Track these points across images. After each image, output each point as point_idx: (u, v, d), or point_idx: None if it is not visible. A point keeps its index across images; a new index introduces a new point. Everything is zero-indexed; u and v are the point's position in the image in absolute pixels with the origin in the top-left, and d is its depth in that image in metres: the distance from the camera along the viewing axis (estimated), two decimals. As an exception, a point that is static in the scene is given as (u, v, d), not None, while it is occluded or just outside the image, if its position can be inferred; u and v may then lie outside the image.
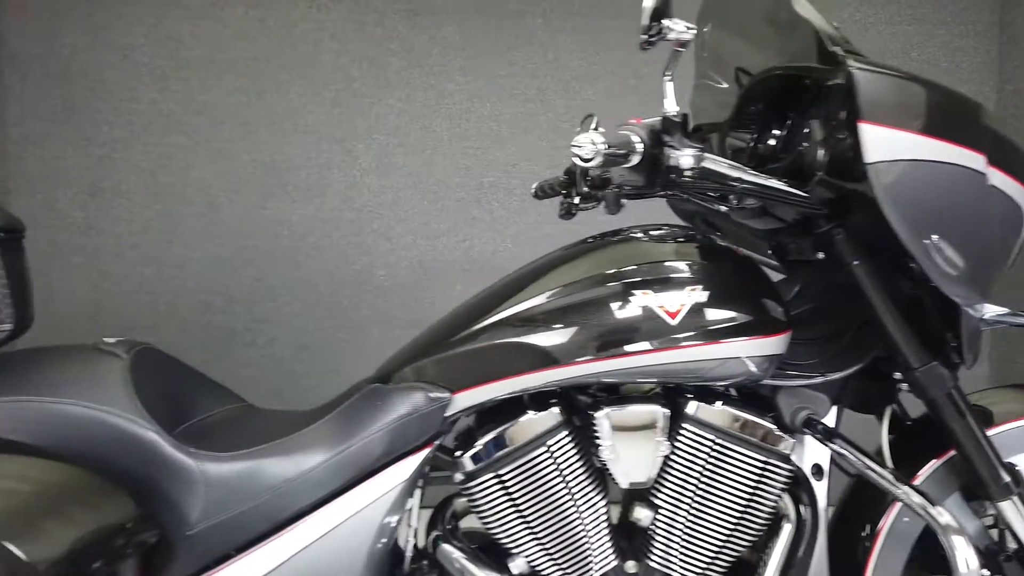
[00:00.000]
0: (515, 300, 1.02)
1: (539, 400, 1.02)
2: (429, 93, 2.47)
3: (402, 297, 2.51)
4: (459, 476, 1.04)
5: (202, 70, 2.41)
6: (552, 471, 0.99)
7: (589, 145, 0.86)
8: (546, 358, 0.97)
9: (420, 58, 2.45)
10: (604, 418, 0.97)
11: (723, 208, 1.13)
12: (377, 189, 2.48)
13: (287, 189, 2.46)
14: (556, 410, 1.00)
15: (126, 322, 2.41)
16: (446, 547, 1.03)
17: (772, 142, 1.09)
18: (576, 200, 1.20)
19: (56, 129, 2.38)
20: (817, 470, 1.02)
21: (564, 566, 1.00)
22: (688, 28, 0.84)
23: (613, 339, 0.96)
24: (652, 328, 0.95)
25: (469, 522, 1.10)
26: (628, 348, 0.95)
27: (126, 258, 2.40)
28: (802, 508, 1.03)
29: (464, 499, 1.07)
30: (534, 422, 0.99)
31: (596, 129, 0.89)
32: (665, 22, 0.84)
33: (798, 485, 1.02)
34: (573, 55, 2.49)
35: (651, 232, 1.09)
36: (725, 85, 1.26)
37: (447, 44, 2.46)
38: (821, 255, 1.01)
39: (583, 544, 0.99)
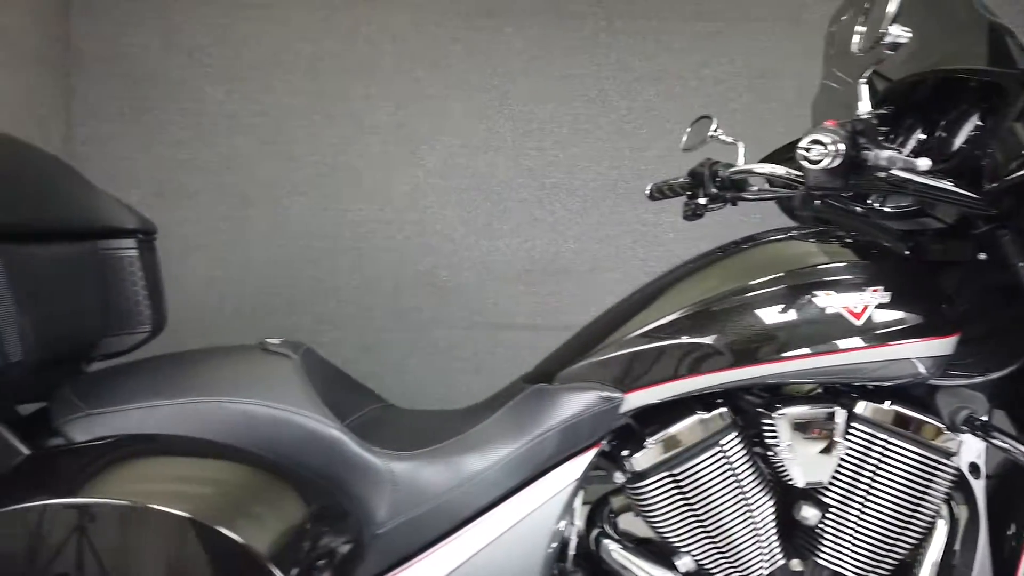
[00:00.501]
0: (684, 301, 1.03)
1: (702, 400, 1.03)
2: (492, 94, 2.48)
3: (464, 298, 2.52)
4: (619, 475, 1.05)
5: (267, 71, 2.41)
6: (725, 470, 1.00)
7: (831, 146, 0.87)
8: (728, 359, 0.98)
9: (483, 59, 2.46)
10: (783, 418, 0.99)
11: (859, 209, 1.14)
12: (440, 190, 2.49)
13: (351, 190, 2.46)
14: (725, 410, 1.02)
15: (193, 324, 2.41)
16: (610, 544, 1.05)
17: (914, 142, 1.09)
18: (703, 201, 1.21)
19: (123, 130, 2.38)
20: (974, 468, 1.04)
21: (736, 563, 1.01)
22: (904, 32, 0.84)
23: (798, 340, 0.97)
24: (837, 329, 0.96)
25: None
26: (813, 349, 0.97)
27: (192, 259, 2.40)
28: (954, 507, 1.05)
29: (620, 497, 1.08)
30: (706, 422, 1.01)
31: (825, 130, 0.89)
32: (891, 27, 0.85)
33: (953, 484, 1.04)
34: (635, 56, 2.50)
35: (809, 232, 1.10)
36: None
37: (510, 45, 2.47)
38: (983, 255, 1.03)
39: (754, 542, 1.01)
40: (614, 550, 1.04)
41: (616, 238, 2.55)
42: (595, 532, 1.07)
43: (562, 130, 2.50)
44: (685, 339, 1.00)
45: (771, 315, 0.99)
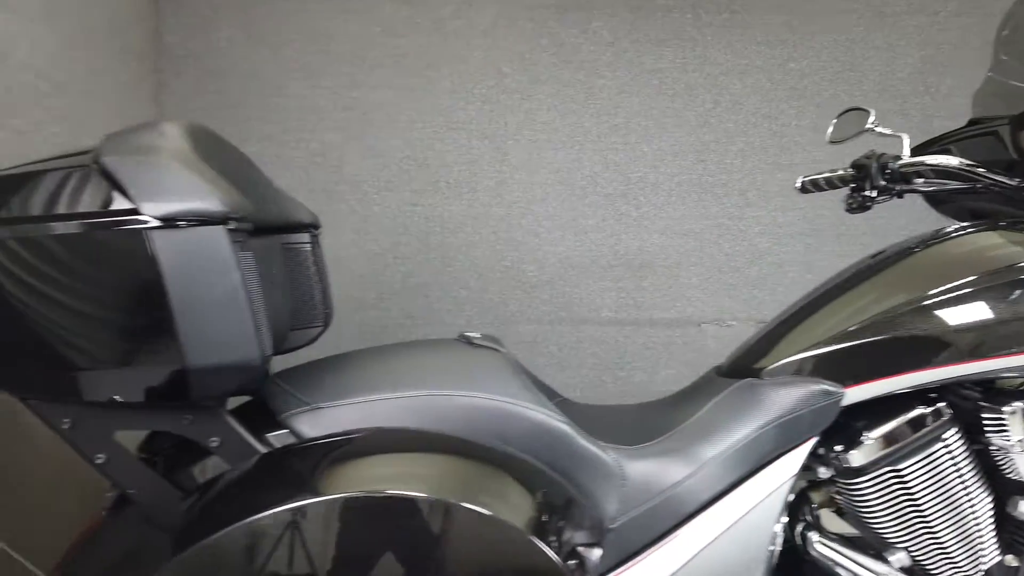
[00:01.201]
0: (900, 294, 1.02)
1: (914, 395, 1.02)
2: (578, 88, 2.47)
3: (549, 293, 2.51)
4: (823, 470, 1.05)
5: (352, 66, 2.40)
6: (949, 465, 1.00)
7: None
8: (957, 353, 0.97)
9: (570, 53, 2.45)
10: (1016, 413, 0.98)
11: None
12: (526, 185, 2.48)
13: (438, 186, 2.45)
14: (943, 405, 1.01)
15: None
16: (816, 537, 1.04)
17: None
18: (872, 193, 1.20)
19: (210, 125, 2.35)
20: None
21: (954, 558, 1.01)
22: None
23: None
24: None
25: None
26: None
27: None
28: None
29: (820, 492, 1.08)
30: (928, 417, 1.00)
31: None
32: None
33: None
34: (721, 50, 2.49)
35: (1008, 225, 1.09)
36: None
37: (597, 39, 2.46)
38: None
39: (974, 537, 1.01)
40: (822, 544, 1.03)
41: (701, 233, 2.54)
42: (799, 526, 1.06)
43: (648, 124, 2.49)
44: (911, 333, 0.99)
45: (1002, 309, 0.98)
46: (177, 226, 0.75)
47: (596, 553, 0.92)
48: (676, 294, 2.56)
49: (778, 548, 1.01)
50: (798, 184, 1.35)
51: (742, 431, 1.00)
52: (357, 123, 2.41)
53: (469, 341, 1.08)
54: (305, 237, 1.17)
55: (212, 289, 0.77)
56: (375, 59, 2.40)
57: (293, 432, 0.92)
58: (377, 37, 2.40)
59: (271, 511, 0.78)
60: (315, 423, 0.92)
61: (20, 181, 0.78)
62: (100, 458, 0.88)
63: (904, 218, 2.55)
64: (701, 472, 0.98)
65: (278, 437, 0.93)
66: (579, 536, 0.91)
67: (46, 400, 0.86)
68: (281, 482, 0.84)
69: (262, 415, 0.95)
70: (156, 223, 0.75)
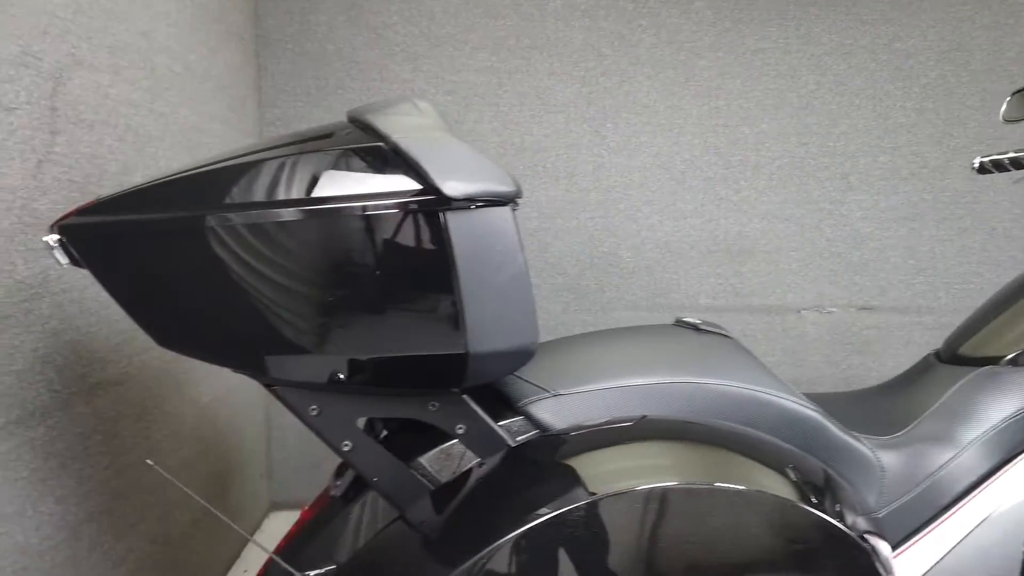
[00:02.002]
0: None
1: None
2: (679, 70, 2.42)
3: (647, 279, 2.48)
4: None
5: (453, 49, 2.36)
6: None
7: None
8: None
9: (671, 34, 2.40)
10: None
11: None
12: (624, 169, 2.44)
13: (536, 170, 2.42)
14: None
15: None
16: None
17: None
18: None
19: (310, 110, 2.33)
20: None
21: None
22: None
23: None
24: None
25: None
26: None
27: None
28: None
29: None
30: None
31: None
32: None
33: None
34: (824, 30, 2.43)
35: None
36: None
37: (699, 20, 2.41)
38: None
39: None
40: None
41: (802, 217, 2.49)
42: None
43: (749, 106, 2.44)
44: None
45: None
46: (471, 207, 0.73)
47: (884, 545, 0.88)
48: (776, 280, 2.51)
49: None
50: (976, 164, 1.30)
51: (997, 416, 0.96)
52: (457, 107, 2.38)
53: (694, 327, 1.04)
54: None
55: (500, 272, 0.74)
56: (476, 41, 2.36)
57: (532, 420, 0.89)
58: (478, 19, 2.36)
59: (564, 509, 0.75)
60: (556, 411, 0.89)
61: (296, 163, 0.75)
62: (347, 445, 0.85)
63: (1007, 201, 2.50)
64: (961, 457, 0.95)
65: (516, 425, 0.90)
66: (861, 523, 0.87)
67: (294, 387, 0.83)
68: (553, 476, 0.80)
69: (495, 403, 0.92)
70: (453, 204, 0.72)
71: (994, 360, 1.03)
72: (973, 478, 0.95)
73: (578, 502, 0.74)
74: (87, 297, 1.23)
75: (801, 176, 2.48)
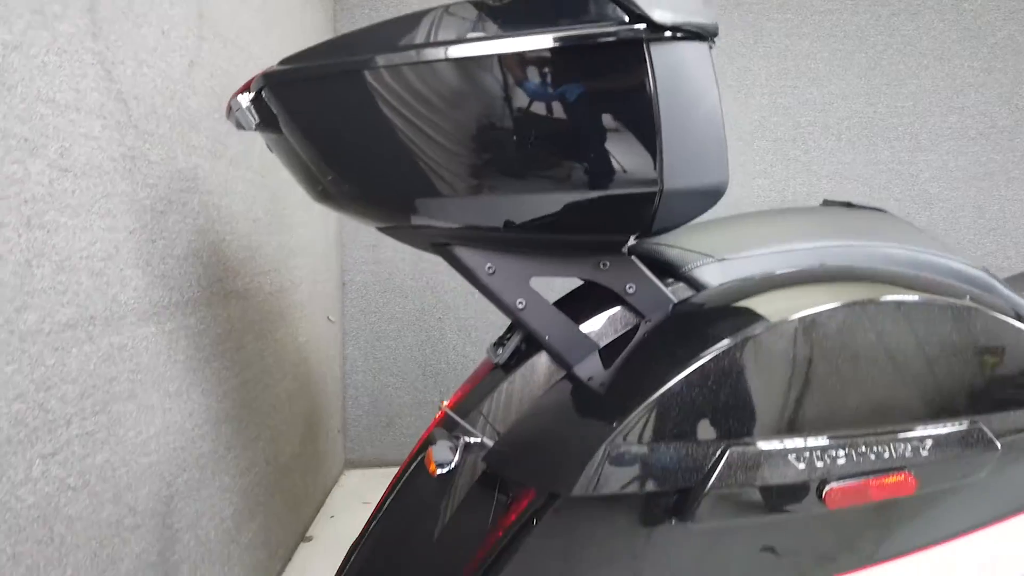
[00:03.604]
0: None
1: None
2: (747, 31, 2.45)
3: (716, 239, 2.49)
4: None
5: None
6: None
7: None
8: None
9: (739, -4, 2.43)
10: None
11: None
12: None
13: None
14: None
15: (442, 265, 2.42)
16: None
17: None
18: None
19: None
20: None
21: None
22: None
23: None
24: None
25: None
26: None
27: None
28: None
29: None
30: None
31: None
32: None
33: None
34: (892, -9, 2.45)
35: None
36: None
37: (767, -18, 2.44)
38: None
39: None
40: None
41: (871, 178, 2.50)
42: None
43: (818, 67, 2.46)
44: None
45: None
46: (675, 38, 0.74)
47: None
48: (843, 240, 2.52)
49: None
50: None
51: None
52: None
53: (845, 204, 1.05)
54: None
55: (696, 108, 0.76)
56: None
57: (697, 285, 0.91)
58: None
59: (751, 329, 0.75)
60: (723, 275, 0.90)
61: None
62: (520, 303, 0.87)
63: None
64: None
65: (681, 291, 0.91)
66: None
67: (470, 247, 0.85)
68: (727, 315, 0.82)
69: (659, 273, 0.93)
70: (657, 35, 0.74)
71: None
72: None
73: (772, 321, 0.75)
74: (223, 204, 1.27)
75: (870, 136, 2.49)
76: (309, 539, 1.85)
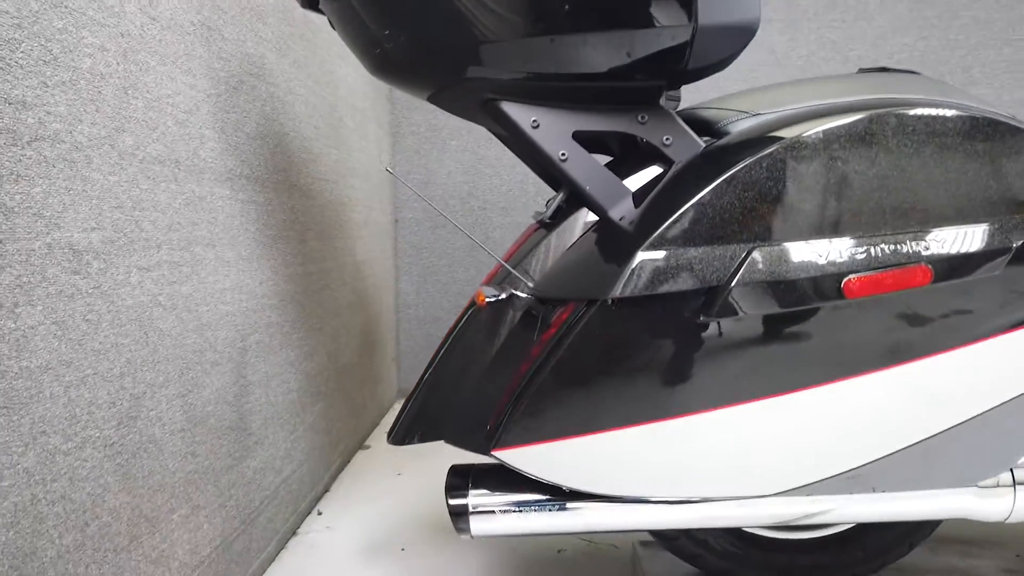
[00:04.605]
0: None
1: None
2: (795, -34, 2.45)
3: (762, 176, 2.50)
4: None
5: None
6: None
7: None
8: None
9: (787, -69, 2.43)
10: None
11: None
12: (737, 67, 2.47)
13: (653, 68, 2.47)
14: None
15: (491, 204, 2.49)
16: None
17: None
18: None
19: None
20: None
21: None
22: None
23: None
24: None
25: None
26: None
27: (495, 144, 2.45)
28: None
29: None
30: None
31: None
32: None
33: None
34: (944, -79, 2.42)
35: None
36: None
37: (815, -85, 2.43)
38: None
39: None
40: None
41: (920, 112, 2.48)
42: None
43: (867, 1, 2.45)
44: None
45: None
46: None
47: None
48: (893, 176, 2.50)
49: None
50: None
51: None
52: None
53: (880, 68, 1.08)
54: None
55: None
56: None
57: (728, 136, 0.95)
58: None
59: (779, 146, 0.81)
60: (753, 130, 0.94)
61: None
62: (564, 155, 0.93)
63: None
64: None
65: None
66: None
67: (516, 101, 0.90)
68: (754, 143, 0.86)
69: (696, 131, 0.97)
70: None
71: None
72: None
73: (791, 137, 0.79)
74: (288, 101, 1.35)
75: (921, 70, 2.47)
76: (367, 447, 1.95)
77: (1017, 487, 0.87)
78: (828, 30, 2.46)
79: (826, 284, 0.77)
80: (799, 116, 0.88)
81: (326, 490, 1.61)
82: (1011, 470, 0.90)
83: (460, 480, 0.88)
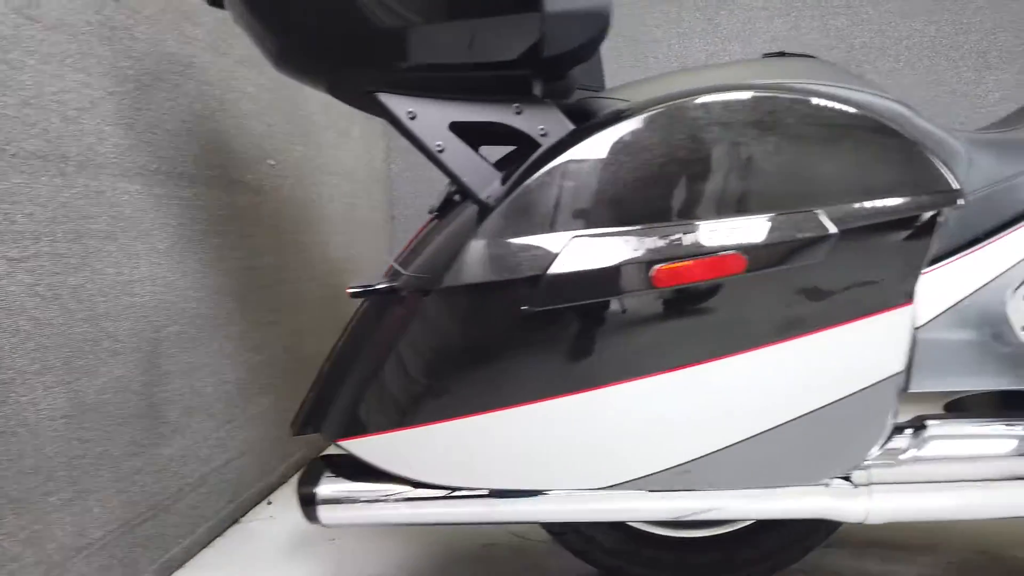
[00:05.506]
0: None
1: None
2: (796, -48, 2.37)
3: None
4: None
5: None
6: None
7: None
8: None
9: (788, -85, 2.35)
10: None
11: None
12: (740, 55, 2.40)
13: (647, 61, 2.43)
14: None
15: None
16: None
17: None
18: None
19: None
20: None
21: None
22: None
23: None
24: None
25: None
26: None
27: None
28: None
29: None
30: None
31: None
32: None
33: None
34: (957, -101, 2.30)
35: None
36: None
37: (817, -102, 2.35)
38: None
39: None
40: None
41: (932, 101, 2.36)
42: None
43: (873, -15, 2.35)
44: None
45: None
46: None
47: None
48: (903, 168, 2.39)
49: None
50: None
51: None
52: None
53: (779, 53, 1.05)
54: None
55: None
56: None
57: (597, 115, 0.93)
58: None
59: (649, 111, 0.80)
60: (603, 119, 0.92)
61: None
62: (439, 145, 0.92)
63: None
64: None
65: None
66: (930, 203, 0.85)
67: (393, 92, 0.91)
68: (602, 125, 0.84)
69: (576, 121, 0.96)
70: None
71: None
72: None
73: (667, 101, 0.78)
74: (229, 99, 1.39)
75: (931, 56, 2.35)
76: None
77: (871, 487, 0.83)
78: (832, 17, 2.37)
79: (635, 273, 0.75)
80: (638, 106, 0.86)
81: (284, 481, 1.64)
82: (866, 469, 0.86)
83: (321, 469, 0.89)
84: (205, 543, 1.31)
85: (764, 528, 1.00)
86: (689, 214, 0.76)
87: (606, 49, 2.44)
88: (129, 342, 1.09)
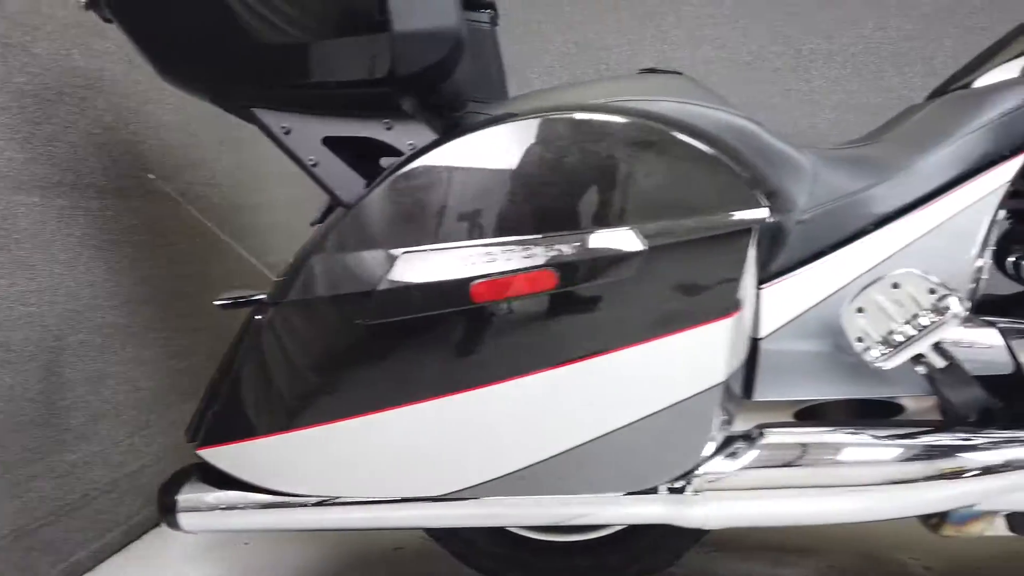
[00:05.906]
0: None
1: None
2: (744, -41, 2.38)
3: (713, 174, 2.44)
4: None
5: (515, -47, 2.43)
6: None
7: None
8: None
9: (735, -77, 2.37)
10: None
11: None
12: (688, 63, 2.42)
13: (599, 68, 2.45)
14: None
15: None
16: None
17: None
18: None
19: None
20: None
21: None
22: None
23: None
24: None
25: None
26: None
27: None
28: None
29: None
30: None
31: None
32: None
33: None
34: (902, -94, 2.32)
35: None
36: None
37: (764, -94, 2.36)
38: None
39: None
40: None
41: (879, 107, 2.38)
42: (1014, 256, 0.98)
43: (821, -9, 2.36)
44: None
45: None
46: None
47: (785, 238, 0.89)
48: (851, 173, 2.41)
49: (986, 263, 0.94)
50: None
51: (950, 136, 0.94)
52: (515, 4, 2.45)
53: (652, 70, 1.07)
54: (484, 16, 1.20)
55: None
56: (536, -55, 2.43)
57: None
58: (538, -77, 2.43)
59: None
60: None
61: None
62: (312, 160, 0.95)
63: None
64: (900, 175, 0.93)
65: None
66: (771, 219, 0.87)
67: (268, 107, 0.93)
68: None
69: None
70: None
71: (965, 86, 0.99)
72: (919, 193, 0.92)
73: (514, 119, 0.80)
74: (145, 111, 1.41)
75: (878, 62, 2.37)
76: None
77: (706, 494, 0.85)
78: (779, 23, 2.39)
79: (457, 289, 0.78)
80: (469, 126, 0.89)
81: (213, 485, 1.66)
82: (702, 476, 0.88)
83: (185, 477, 0.91)
84: (118, 547, 1.33)
85: (633, 532, 1.02)
86: (507, 231, 0.79)
87: (559, 56, 2.47)
88: (24, 351, 1.11)
